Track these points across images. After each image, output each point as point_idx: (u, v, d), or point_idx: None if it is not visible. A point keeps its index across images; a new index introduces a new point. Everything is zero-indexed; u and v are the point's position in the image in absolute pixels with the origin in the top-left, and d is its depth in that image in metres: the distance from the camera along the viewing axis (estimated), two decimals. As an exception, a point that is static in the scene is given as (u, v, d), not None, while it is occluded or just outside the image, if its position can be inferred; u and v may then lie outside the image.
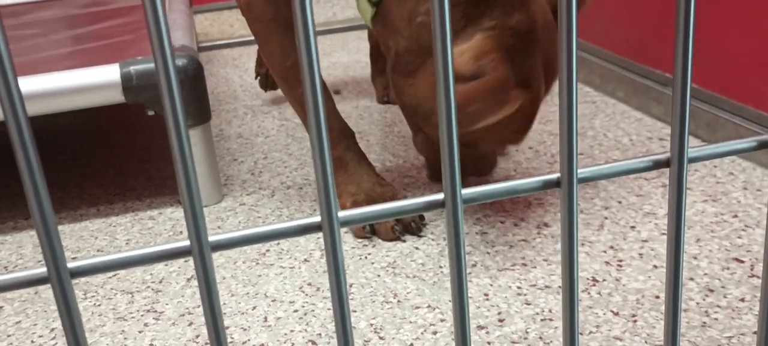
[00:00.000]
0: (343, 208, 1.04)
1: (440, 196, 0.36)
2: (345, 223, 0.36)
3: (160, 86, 0.31)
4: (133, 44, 1.18)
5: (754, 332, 0.77)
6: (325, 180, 0.34)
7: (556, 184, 0.37)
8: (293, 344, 0.81)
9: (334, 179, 1.05)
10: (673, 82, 0.37)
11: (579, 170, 0.37)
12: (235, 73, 1.86)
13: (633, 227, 0.99)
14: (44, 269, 0.32)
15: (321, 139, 0.34)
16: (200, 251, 0.33)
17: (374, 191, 1.04)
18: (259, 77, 1.56)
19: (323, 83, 1.10)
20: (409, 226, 1.02)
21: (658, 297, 0.84)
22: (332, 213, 0.34)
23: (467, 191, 0.36)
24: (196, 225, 0.33)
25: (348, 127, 1.07)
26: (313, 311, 0.87)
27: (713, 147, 0.39)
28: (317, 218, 0.35)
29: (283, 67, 1.03)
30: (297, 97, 1.05)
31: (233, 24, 2.33)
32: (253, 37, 2.11)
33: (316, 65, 0.33)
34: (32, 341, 0.86)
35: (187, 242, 0.33)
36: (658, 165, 0.38)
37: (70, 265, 0.32)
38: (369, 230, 1.02)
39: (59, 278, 0.32)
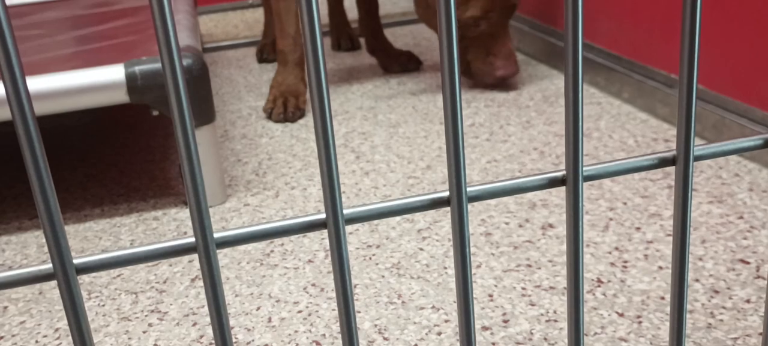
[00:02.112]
0: (270, 92, 1.52)
1: (445, 193, 0.36)
2: (350, 220, 0.36)
3: (167, 86, 0.31)
4: (137, 45, 1.18)
5: (760, 333, 0.77)
6: (331, 177, 0.34)
7: (561, 182, 0.37)
8: (297, 344, 0.81)
9: (277, 70, 1.50)
10: (679, 80, 0.37)
11: (584, 168, 0.37)
12: (239, 74, 1.86)
13: (638, 228, 0.99)
14: (50, 266, 0.32)
15: (327, 138, 0.34)
16: (205, 247, 0.33)
17: (289, 86, 1.49)
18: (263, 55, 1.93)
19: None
20: (287, 115, 1.47)
21: (663, 298, 0.84)
22: (337, 210, 0.34)
23: (472, 188, 0.36)
24: (201, 221, 0.33)
25: (299, 33, 1.50)
26: (317, 311, 0.87)
27: (719, 145, 0.39)
28: (322, 215, 0.35)
29: (286, 33, 1.49)
30: (298, 59, 1.52)
31: (238, 25, 2.34)
32: (256, 39, 2.12)
33: (322, 64, 0.33)
34: (37, 341, 0.86)
35: (193, 239, 0.33)
36: (663, 163, 0.38)
37: (76, 261, 0.32)
38: (268, 112, 1.50)
39: (65, 274, 0.32)
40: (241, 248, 1.02)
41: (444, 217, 1.06)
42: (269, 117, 1.49)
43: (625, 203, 1.05)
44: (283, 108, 1.48)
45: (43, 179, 0.31)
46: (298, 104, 1.49)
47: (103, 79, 1.05)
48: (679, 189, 0.38)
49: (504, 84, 1.57)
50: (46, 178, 0.31)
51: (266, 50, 1.92)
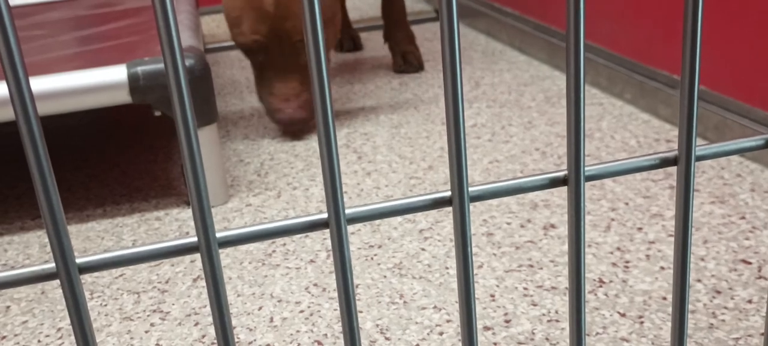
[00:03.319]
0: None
1: (447, 193, 0.36)
2: (352, 220, 0.36)
3: (169, 86, 0.31)
4: (140, 45, 1.18)
5: (762, 334, 0.77)
6: (333, 177, 0.34)
7: (563, 182, 0.37)
8: (299, 344, 0.81)
9: None
10: (680, 80, 0.37)
11: (586, 168, 0.37)
12: (241, 74, 1.86)
13: (640, 229, 0.99)
14: (53, 265, 0.32)
15: (329, 138, 0.34)
16: (208, 247, 0.33)
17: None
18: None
19: None
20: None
21: (665, 298, 0.84)
22: (339, 210, 0.35)
23: (474, 189, 0.36)
24: (203, 221, 0.33)
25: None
26: (319, 311, 0.87)
27: (721, 145, 0.39)
28: (324, 215, 0.35)
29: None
30: None
31: (240, 26, 2.34)
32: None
33: (325, 62, 0.33)
34: (39, 341, 0.86)
35: (195, 239, 0.34)
36: (665, 163, 0.38)
37: (79, 260, 0.32)
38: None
39: (68, 273, 0.32)
40: (243, 248, 1.02)
41: (446, 217, 1.06)
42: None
43: (626, 204, 1.05)
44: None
45: (46, 179, 0.31)
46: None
47: (106, 80, 1.05)
48: (680, 189, 0.38)
49: (291, 129, 1.39)
50: (49, 178, 0.31)
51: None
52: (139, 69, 1.05)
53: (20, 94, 0.30)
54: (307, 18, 0.32)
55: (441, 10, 0.33)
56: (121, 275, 0.98)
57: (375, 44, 2.04)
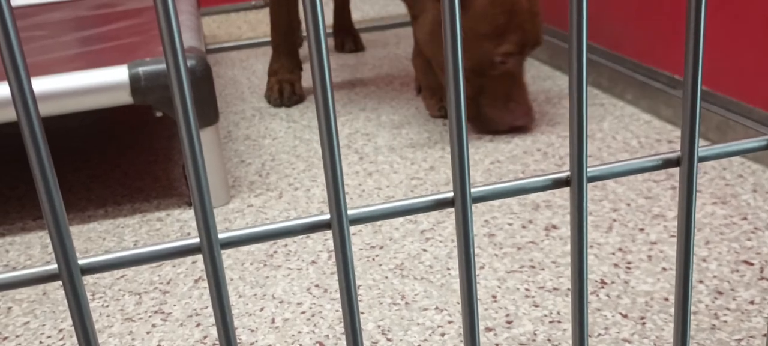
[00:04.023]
0: (269, 77, 1.61)
1: (450, 194, 0.36)
2: (354, 221, 0.36)
3: (171, 87, 0.31)
4: (141, 46, 1.18)
5: (764, 335, 0.77)
6: (334, 178, 0.34)
7: (565, 182, 0.37)
8: (301, 345, 0.81)
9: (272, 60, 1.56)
10: (683, 81, 0.37)
11: (588, 169, 0.37)
12: (242, 75, 1.86)
13: (642, 229, 0.98)
14: (55, 266, 0.32)
15: (330, 139, 0.34)
16: (210, 248, 0.33)
17: (284, 76, 1.60)
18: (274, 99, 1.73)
19: None
20: (285, 99, 1.59)
21: (667, 299, 0.84)
22: (341, 211, 0.34)
23: (476, 189, 0.36)
24: (205, 222, 0.33)
25: (291, 25, 1.59)
26: (320, 312, 0.87)
27: (723, 146, 0.39)
28: (326, 216, 0.35)
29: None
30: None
31: (241, 26, 2.34)
32: (260, 40, 2.12)
33: (327, 66, 0.33)
34: (40, 342, 0.86)
35: (197, 240, 0.33)
36: (667, 164, 0.38)
37: (81, 261, 0.32)
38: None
39: (70, 274, 0.32)
40: (245, 249, 1.02)
41: (447, 218, 1.06)
42: (269, 102, 1.60)
43: (628, 204, 1.05)
44: (279, 94, 1.58)
45: (47, 180, 0.31)
46: (294, 90, 1.58)
47: (107, 80, 1.05)
48: (683, 190, 0.38)
49: (514, 131, 1.36)
50: (51, 178, 0.31)
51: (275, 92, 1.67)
52: (141, 70, 1.05)
53: (22, 94, 0.30)
54: (309, 19, 0.32)
55: (443, 11, 0.33)
56: (122, 276, 0.98)
57: (376, 45, 2.04)
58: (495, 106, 1.32)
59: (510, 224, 1.03)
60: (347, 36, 1.98)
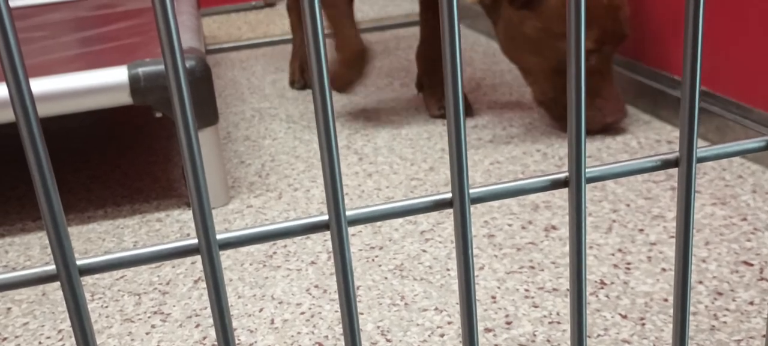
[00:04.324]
0: (335, 65, 1.39)
1: (448, 195, 0.36)
2: (353, 222, 0.36)
3: (170, 88, 0.31)
4: (141, 46, 1.18)
5: (763, 336, 0.77)
6: (333, 179, 0.34)
7: (564, 183, 0.37)
8: None
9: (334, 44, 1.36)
10: (682, 81, 0.37)
11: (587, 169, 0.37)
12: (242, 75, 1.86)
13: (641, 230, 0.98)
14: (53, 267, 0.32)
15: (329, 140, 0.34)
16: (208, 248, 0.33)
17: (352, 52, 1.37)
18: (294, 82, 1.75)
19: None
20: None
21: (666, 300, 0.84)
22: (340, 212, 0.34)
23: (475, 190, 0.36)
24: (204, 223, 0.33)
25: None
26: (320, 313, 0.87)
27: (722, 147, 0.39)
28: (325, 217, 0.35)
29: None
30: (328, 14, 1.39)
31: (241, 27, 2.34)
32: (259, 41, 2.12)
33: (325, 67, 0.33)
34: (40, 343, 0.86)
35: (196, 240, 0.33)
36: (666, 165, 0.38)
37: (80, 262, 0.32)
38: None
39: (68, 275, 0.32)
40: (244, 249, 1.02)
41: (447, 219, 1.06)
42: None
43: (628, 205, 1.05)
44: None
45: (46, 181, 0.31)
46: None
47: (106, 81, 1.05)
48: (682, 191, 0.38)
49: (608, 129, 1.31)
50: (50, 179, 0.31)
51: (297, 75, 1.74)
52: (140, 70, 1.05)
53: (20, 95, 0.30)
54: (308, 20, 0.32)
55: (441, 11, 0.33)
56: (121, 277, 0.98)
57: (376, 45, 2.04)
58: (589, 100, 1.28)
59: (509, 225, 1.03)
60: None
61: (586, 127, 1.27)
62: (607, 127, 1.29)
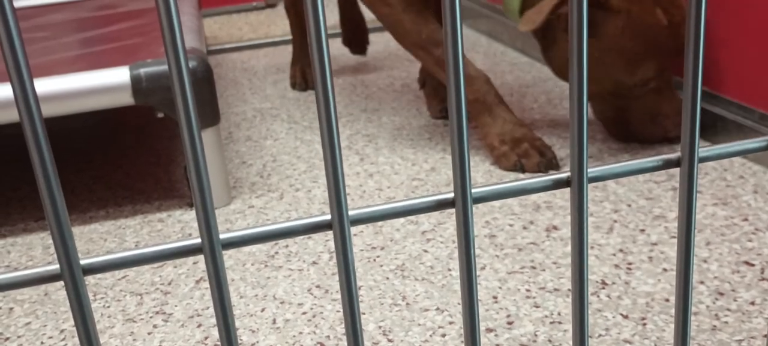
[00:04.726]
0: (492, 147, 1.23)
1: (450, 195, 0.36)
2: (355, 221, 0.36)
3: (173, 88, 0.31)
4: (142, 47, 1.18)
5: (765, 336, 0.77)
6: (335, 179, 0.34)
7: (565, 183, 0.37)
8: None
9: (478, 121, 1.24)
10: (683, 81, 0.37)
11: (589, 169, 0.37)
12: (243, 76, 1.86)
13: (643, 230, 0.99)
14: (57, 266, 0.32)
15: (331, 140, 0.34)
16: (211, 248, 0.33)
17: (516, 132, 1.21)
18: (295, 85, 1.72)
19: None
20: (551, 162, 1.19)
21: (668, 300, 0.84)
22: (342, 212, 0.35)
23: (477, 190, 0.36)
24: (207, 222, 0.33)
25: (481, 71, 1.24)
26: (321, 313, 0.87)
27: (723, 147, 0.39)
28: (327, 216, 0.35)
29: (419, 39, 1.23)
30: (437, 58, 1.23)
31: (242, 27, 2.34)
32: (261, 41, 2.12)
33: (328, 67, 0.33)
34: (42, 343, 0.86)
35: (198, 240, 0.34)
36: (668, 164, 0.38)
37: (83, 261, 0.32)
38: (520, 165, 1.19)
39: (72, 274, 0.32)
40: (246, 249, 1.02)
41: (448, 219, 1.06)
42: (522, 170, 1.21)
43: (629, 205, 1.05)
44: (539, 156, 1.19)
45: (50, 181, 0.31)
46: (541, 148, 1.20)
47: (109, 82, 1.05)
48: (683, 191, 0.38)
49: (667, 142, 1.25)
50: (54, 179, 0.31)
51: (298, 78, 1.72)
52: (142, 71, 1.05)
53: (24, 95, 0.30)
54: (311, 19, 0.32)
55: (444, 12, 0.33)
56: (124, 277, 0.99)
57: (377, 46, 2.04)
58: (642, 123, 1.21)
59: (511, 225, 1.03)
60: (356, 32, 1.79)
61: (643, 141, 1.23)
62: (667, 140, 1.24)
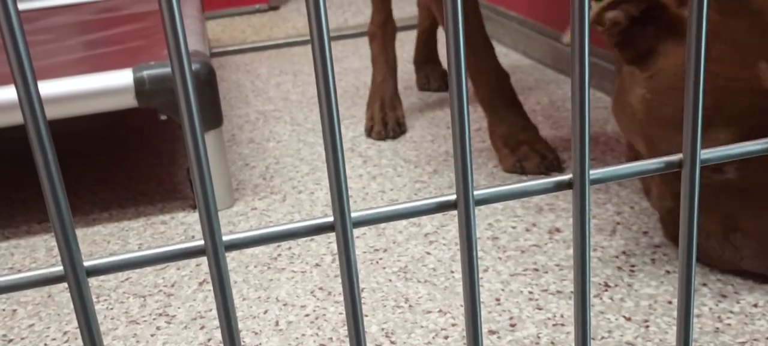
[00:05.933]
0: (496, 148, 1.22)
1: (452, 196, 0.36)
2: (357, 223, 0.36)
3: (176, 91, 0.32)
4: (146, 49, 1.18)
5: (767, 338, 0.77)
6: (338, 180, 0.34)
7: (568, 185, 0.37)
8: (305, 347, 0.82)
9: (488, 120, 1.21)
10: (684, 82, 0.37)
11: (591, 172, 0.37)
12: (246, 78, 1.86)
13: (645, 233, 0.98)
14: (61, 268, 0.32)
15: (334, 142, 0.34)
16: (215, 250, 0.33)
17: (520, 135, 1.19)
18: (373, 130, 1.40)
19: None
20: (552, 164, 1.17)
21: (670, 302, 0.84)
22: (345, 213, 0.35)
23: (479, 192, 0.36)
24: (210, 225, 0.33)
25: (502, 68, 1.23)
26: (324, 315, 0.87)
27: (726, 149, 0.39)
28: (330, 218, 0.35)
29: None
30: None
31: (245, 30, 2.34)
32: (263, 44, 2.13)
33: (331, 69, 0.33)
34: (46, 344, 0.86)
35: (202, 242, 0.34)
36: (670, 166, 0.38)
37: (87, 263, 0.32)
38: (519, 167, 1.17)
39: (75, 276, 0.32)
40: (249, 251, 1.02)
41: (451, 221, 1.06)
42: (522, 172, 1.18)
43: (632, 207, 1.05)
44: (540, 158, 1.16)
45: (54, 183, 0.31)
46: (542, 150, 1.16)
47: (112, 84, 1.05)
48: (685, 193, 0.38)
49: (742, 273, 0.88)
50: (58, 181, 0.31)
51: (377, 119, 1.41)
52: (145, 73, 1.06)
53: (28, 97, 0.30)
54: (313, 21, 0.32)
55: (446, 14, 0.33)
56: (127, 279, 0.99)
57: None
58: (709, 233, 0.85)
59: (513, 227, 1.03)
60: (434, 69, 1.65)
61: (714, 265, 0.86)
62: (741, 271, 0.86)
